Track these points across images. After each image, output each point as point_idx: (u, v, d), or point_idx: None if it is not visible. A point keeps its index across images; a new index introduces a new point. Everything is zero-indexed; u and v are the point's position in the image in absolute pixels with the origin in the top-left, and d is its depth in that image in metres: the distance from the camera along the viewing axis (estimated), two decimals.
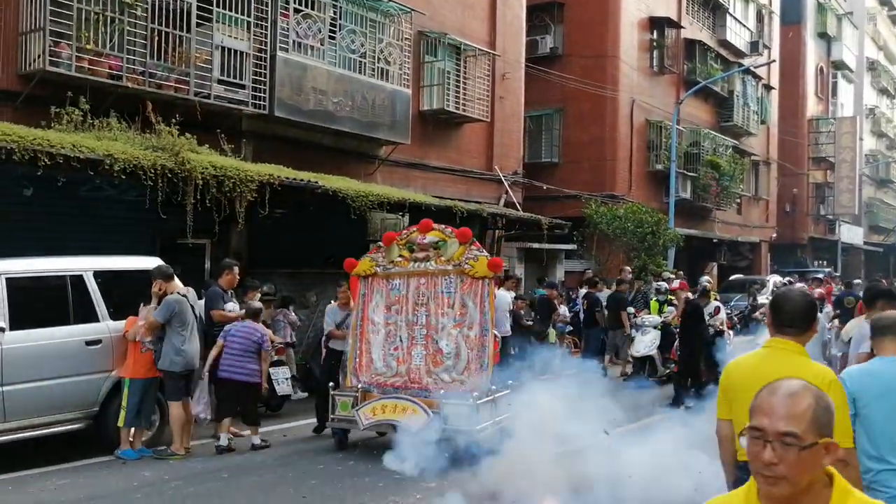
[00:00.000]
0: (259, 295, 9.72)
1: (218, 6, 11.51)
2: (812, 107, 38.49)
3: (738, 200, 29.48)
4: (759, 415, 1.92)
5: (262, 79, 12.24)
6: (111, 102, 10.43)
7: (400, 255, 8.69)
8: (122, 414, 8.01)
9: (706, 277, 17.84)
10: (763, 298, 17.20)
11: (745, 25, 30.30)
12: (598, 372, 11.55)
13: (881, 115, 48.28)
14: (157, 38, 10.84)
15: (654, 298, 14.99)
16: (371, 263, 8.79)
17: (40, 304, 8.03)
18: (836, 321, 11.11)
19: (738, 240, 30.58)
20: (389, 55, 14.71)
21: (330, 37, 13.61)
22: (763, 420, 1.91)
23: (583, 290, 16.47)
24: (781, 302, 3.59)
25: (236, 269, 9.42)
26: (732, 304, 19.61)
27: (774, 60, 32.10)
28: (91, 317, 8.17)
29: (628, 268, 18.57)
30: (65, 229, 9.98)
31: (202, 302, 9.21)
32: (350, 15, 14.02)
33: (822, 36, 38.66)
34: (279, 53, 12.57)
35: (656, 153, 24.48)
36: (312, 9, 13.22)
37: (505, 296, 13.65)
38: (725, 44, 28.64)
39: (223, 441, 8.40)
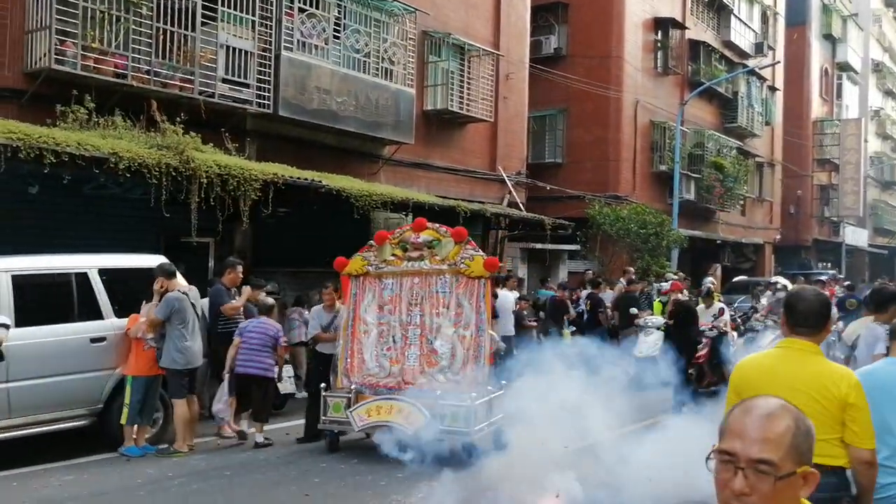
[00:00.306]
0: (263, 293, 9.77)
1: (223, 5, 11.55)
2: (817, 108, 38.43)
3: (742, 202, 29.45)
4: (731, 437, 1.68)
5: (267, 78, 12.27)
6: (116, 101, 10.47)
7: (393, 255, 8.54)
8: (126, 411, 8.05)
9: (710, 279, 17.81)
10: (764, 300, 17.20)
11: (749, 27, 30.28)
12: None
13: (886, 116, 48.19)
14: (162, 37, 10.88)
15: (658, 299, 14.98)
16: (363, 262, 8.61)
17: (45, 301, 8.08)
18: (841, 323, 11.11)
19: (742, 241, 30.55)
20: (393, 55, 14.74)
21: (334, 36, 13.64)
22: (735, 443, 1.67)
23: (585, 291, 16.49)
24: (795, 302, 3.55)
25: (239, 268, 9.45)
26: (736, 305, 19.58)
27: (779, 62, 32.07)
28: (96, 314, 8.21)
29: (632, 268, 18.57)
30: (70, 227, 10.03)
31: (205, 300, 9.24)
32: (354, 14, 14.05)
33: (828, 37, 38.60)
34: (284, 53, 12.60)
35: (660, 154, 24.47)
36: (317, 8, 13.25)
37: (508, 296, 13.69)
38: (730, 45, 28.63)
39: (258, 438, 8.62)
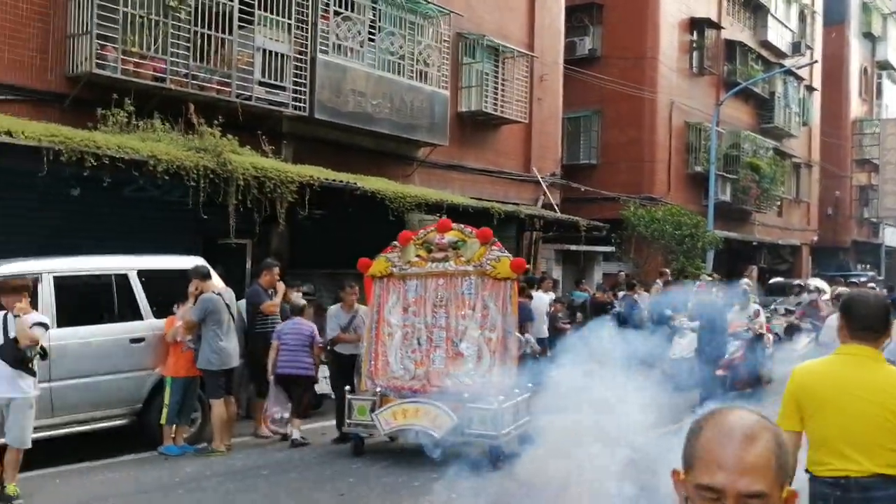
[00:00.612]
0: (295, 293, 9.85)
1: (259, 9, 11.65)
2: (856, 108, 37.79)
3: (779, 203, 29.06)
4: (710, 467, 1.43)
5: (303, 81, 12.36)
6: (155, 104, 10.61)
7: (417, 256, 8.36)
8: (165, 411, 8.15)
9: (745, 280, 17.58)
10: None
11: (786, 26, 29.85)
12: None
13: None
14: (199, 41, 11.01)
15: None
16: (386, 264, 8.43)
17: (86, 302, 8.21)
18: None
19: (779, 243, 30.13)
20: (428, 57, 14.76)
21: (369, 39, 13.70)
22: (717, 476, 1.42)
23: (622, 293, 16.35)
24: (856, 306, 3.44)
25: (276, 270, 9.50)
26: (773, 307, 19.29)
27: (817, 61, 31.57)
28: (135, 315, 8.32)
29: (667, 270, 18.40)
30: (110, 229, 10.17)
31: (242, 302, 9.32)
32: (389, 17, 14.10)
33: (867, 36, 37.94)
34: (319, 55, 12.68)
35: (695, 155, 24.22)
36: (352, 11, 13.32)
37: (543, 298, 13.63)
38: (767, 44, 28.25)
39: (296, 435, 8.74)
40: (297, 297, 9.68)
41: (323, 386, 10.22)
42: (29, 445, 6.45)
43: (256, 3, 11.59)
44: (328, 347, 9.13)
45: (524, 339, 12.16)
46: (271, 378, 8.85)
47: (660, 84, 22.62)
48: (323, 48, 12.78)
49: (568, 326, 14.44)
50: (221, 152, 10.05)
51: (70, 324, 7.77)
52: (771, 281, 25.31)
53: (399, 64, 14.21)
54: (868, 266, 36.80)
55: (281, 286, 9.46)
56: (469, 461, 7.28)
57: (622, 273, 18.25)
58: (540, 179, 18.52)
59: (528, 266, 8.67)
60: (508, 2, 17.84)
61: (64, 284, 7.84)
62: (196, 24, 10.93)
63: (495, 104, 16.73)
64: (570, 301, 16.25)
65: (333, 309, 9.29)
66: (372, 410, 8.00)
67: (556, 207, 18.58)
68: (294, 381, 8.83)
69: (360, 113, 13.42)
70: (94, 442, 8.06)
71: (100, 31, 10.02)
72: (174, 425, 8.25)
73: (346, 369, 8.94)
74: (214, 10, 11.16)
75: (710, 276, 18.68)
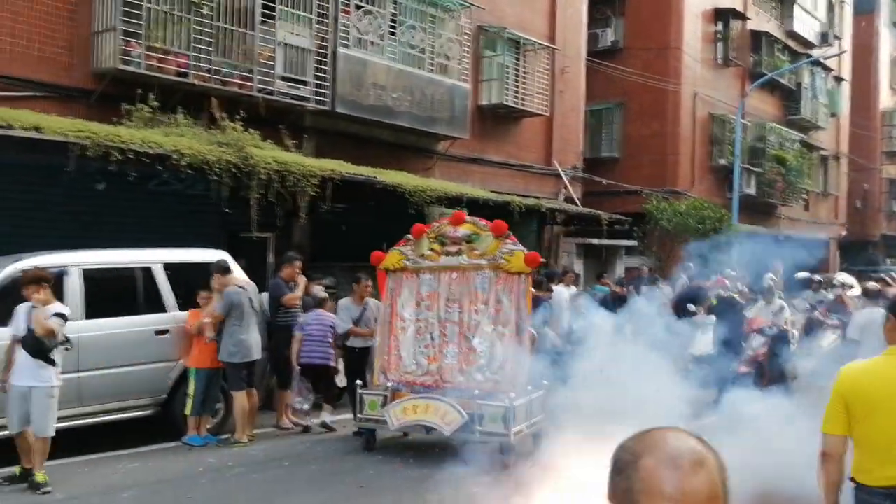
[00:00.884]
0: (315, 286, 9.94)
1: (281, 4, 11.74)
2: (886, 99, 37.18)
3: (806, 196, 28.71)
4: (664, 502, 1.26)
5: (324, 75, 12.44)
6: (179, 99, 10.74)
7: (430, 249, 8.26)
8: (189, 402, 8.29)
9: (769, 275, 17.43)
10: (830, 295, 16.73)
11: (814, 16, 29.45)
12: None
13: None
14: (222, 37, 11.12)
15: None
16: (400, 257, 8.34)
17: (113, 294, 8.35)
18: None
19: (806, 237, 29.79)
20: (449, 50, 14.78)
21: (390, 33, 13.75)
22: None
23: (643, 287, 16.28)
24: None
25: (298, 263, 9.59)
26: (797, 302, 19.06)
27: (845, 51, 31.12)
28: (160, 307, 8.46)
29: (692, 264, 18.27)
30: (134, 222, 10.32)
31: (264, 295, 9.42)
32: (410, 11, 14.13)
33: None
34: (340, 50, 12.75)
35: (720, 148, 24.01)
36: (373, 5, 13.37)
37: (563, 292, 13.61)
38: (793, 35, 27.89)
39: (327, 419, 9.08)
40: (319, 291, 9.80)
41: (343, 378, 10.33)
42: (51, 434, 6.58)
43: None
44: (338, 342, 9.22)
45: (543, 334, 12.19)
46: (297, 368, 9.01)
47: (684, 76, 22.45)
48: (344, 42, 12.85)
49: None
50: (244, 146, 10.17)
51: (97, 316, 7.93)
52: (797, 276, 25.03)
53: (420, 57, 14.25)
54: None
55: (302, 279, 9.56)
56: (485, 457, 7.35)
57: (645, 267, 18.18)
58: (561, 173, 18.48)
59: (542, 260, 8.50)
60: None
61: (91, 277, 8.00)
62: (219, 20, 11.04)
63: (516, 97, 16.71)
64: (591, 295, 16.22)
65: (344, 302, 9.34)
66: (383, 405, 7.95)
67: (577, 201, 18.53)
68: (318, 371, 9.04)
69: (380, 106, 13.48)
70: (120, 432, 8.22)
71: (125, 27, 10.16)
72: (198, 416, 8.38)
73: (356, 363, 9.05)
74: (237, 5, 11.27)
75: (733, 270, 18.54)
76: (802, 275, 25.47)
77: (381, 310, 8.66)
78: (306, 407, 9.09)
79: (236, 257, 9.43)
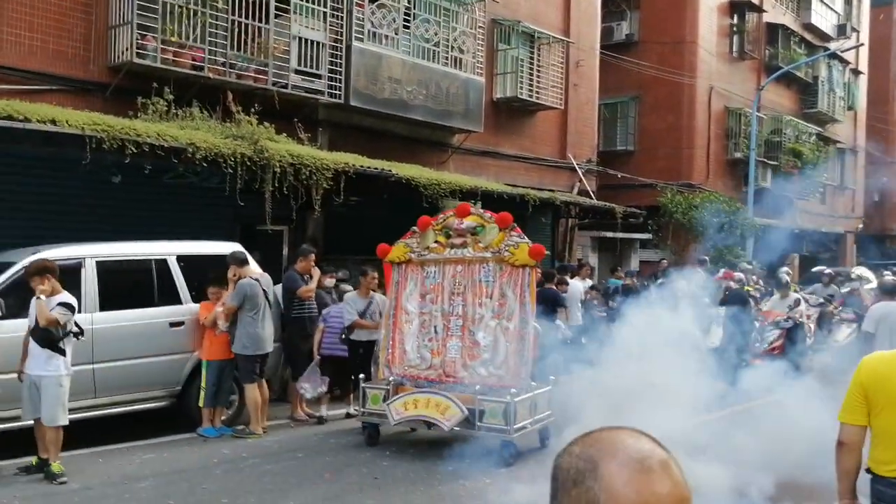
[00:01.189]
0: (334, 280, 10.01)
1: None
2: None
3: (822, 190, 28.50)
4: None
5: (338, 68, 12.45)
6: (194, 93, 10.78)
7: (436, 241, 8.14)
8: (202, 394, 8.35)
9: (785, 269, 17.33)
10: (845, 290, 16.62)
11: (831, 8, 29.19)
12: None
13: None
14: (237, 30, 11.15)
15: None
16: (405, 249, 8.24)
17: (127, 286, 8.42)
18: None
19: (822, 230, 29.59)
20: (463, 43, 14.76)
21: (404, 26, 13.74)
22: None
23: (659, 280, 16.23)
24: None
25: (312, 256, 9.62)
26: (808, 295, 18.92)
27: (863, 44, 30.81)
28: (174, 299, 8.51)
29: (706, 257, 18.21)
30: (149, 215, 10.39)
31: (278, 287, 9.46)
32: (424, 4, 14.11)
33: None
34: (355, 43, 12.76)
35: (735, 141, 23.87)
36: None
37: (577, 285, 13.61)
38: (810, 27, 27.66)
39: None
40: (330, 283, 9.88)
41: None
42: (60, 423, 6.63)
43: None
44: (343, 336, 9.23)
45: (555, 327, 12.19)
46: (317, 358, 9.09)
47: (699, 69, 22.32)
48: (358, 36, 12.85)
49: (603, 314, 14.41)
50: (258, 140, 10.19)
51: (112, 307, 7.98)
52: (813, 269, 24.87)
53: (434, 51, 14.23)
54: None
55: (316, 272, 9.60)
56: (497, 452, 7.34)
57: (664, 261, 18.11)
58: (576, 166, 18.42)
59: (547, 252, 8.40)
60: None
61: (106, 269, 8.05)
62: (234, 14, 11.06)
63: (531, 90, 16.66)
64: (605, 288, 16.19)
65: (350, 295, 9.38)
66: (385, 399, 7.87)
67: (592, 194, 18.48)
68: (337, 362, 9.15)
69: (395, 100, 13.48)
70: (135, 423, 8.29)
71: (140, 21, 10.20)
72: (212, 407, 8.43)
73: (360, 356, 9.08)
74: None
75: (749, 264, 18.46)
76: (819, 268, 25.33)
77: (385, 303, 8.62)
78: (308, 396, 9.10)
79: (251, 250, 9.48)
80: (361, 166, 11.29)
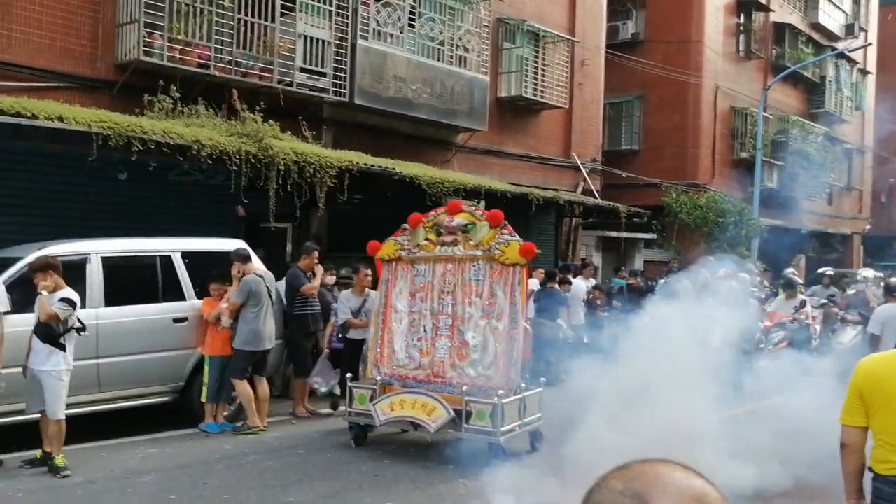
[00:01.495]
0: (334, 277, 10.06)
1: None
2: None
3: (829, 190, 28.44)
4: None
5: (343, 67, 12.51)
6: (200, 90, 10.86)
7: (426, 239, 7.98)
8: (205, 389, 8.42)
9: (791, 270, 17.33)
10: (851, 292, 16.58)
11: (839, 7, 29.10)
12: None
13: None
14: (243, 29, 11.22)
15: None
16: (395, 247, 8.09)
17: (132, 282, 8.49)
18: None
19: (829, 231, 29.52)
20: (468, 42, 14.80)
21: (409, 25, 13.79)
22: None
23: (662, 280, 16.25)
24: None
25: (315, 253, 9.68)
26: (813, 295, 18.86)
27: (871, 44, 30.70)
28: (178, 295, 8.58)
29: (711, 257, 18.20)
30: (155, 211, 10.47)
31: (280, 283, 9.52)
32: (429, 2, 14.16)
33: None
34: (360, 42, 12.81)
35: (741, 141, 23.85)
36: None
37: (580, 285, 13.65)
38: (818, 27, 27.59)
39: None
40: (330, 280, 9.97)
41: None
42: (61, 417, 6.71)
43: None
44: (339, 334, 9.19)
45: (557, 325, 12.24)
46: (326, 351, 9.15)
47: (705, 68, 22.31)
48: (363, 34, 12.91)
49: (606, 314, 14.44)
50: (263, 137, 10.27)
51: (116, 303, 8.05)
52: (819, 270, 24.81)
53: (439, 49, 14.28)
54: None
55: (319, 269, 9.66)
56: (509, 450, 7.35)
57: (674, 261, 18.14)
58: (580, 165, 18.45)
59: (538, 251, 8.06)
60: None
61: (111, 265, 8.12)
62: (240, 12, 11.14)
63: (535, 89, 16.69)
64: (609, 288, 16.23)
65: (345, 294, 9.24)
66: (372, 399, 7.73)
67: (596, 193, 18.50)
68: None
69: (399, 98, 13.54)
70: (138, 418, 8.37)
71: (147, 19, 10.28)
72: (214, 403, 8.51)
73: (357, 355, 9.03)
74: None
75: (754, 264, 18.45)
76: (822, 270, 25.27)
77: (376, 301, 8.45)
78: (324, 390, 9.21)
79: (255, 247, 9.55)
80: (365, 164, 11.35)
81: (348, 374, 8.16)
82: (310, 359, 9.38)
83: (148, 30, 10.33)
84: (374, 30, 13.12)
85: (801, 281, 17.26)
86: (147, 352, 8.20)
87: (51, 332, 6.64)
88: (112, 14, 10.61)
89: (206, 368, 8.44)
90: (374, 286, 9.47)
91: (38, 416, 6.83)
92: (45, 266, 6.76)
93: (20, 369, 6.83)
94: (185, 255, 8.73)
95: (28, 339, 6.79)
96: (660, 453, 1.17)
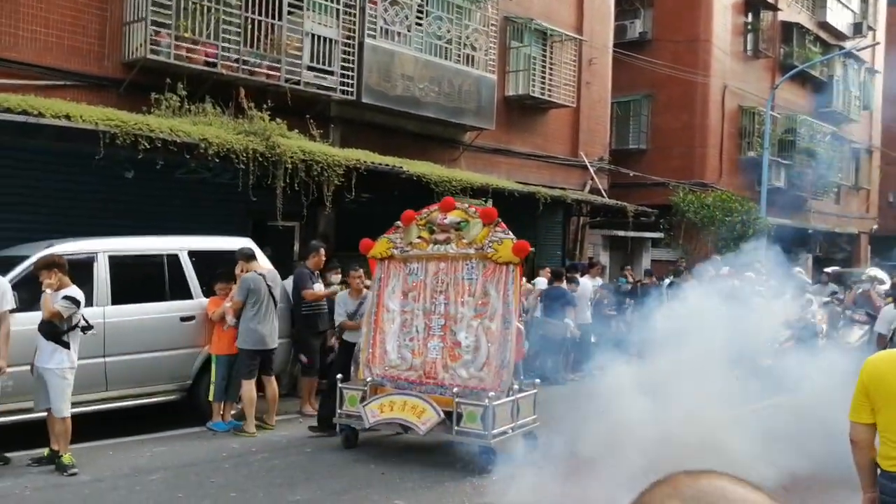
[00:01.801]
0: (339, 275, 10.01)
1: None
2: None
3: (836, 190, 28.33)
4: None
5: (351, 65, 12.49)
6: (207, 89, 10.84)
7: (419, 237, 7.80)
8: (212, 388, 8.41)
9: (797, 269, 17.24)
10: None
11: (847, 6, 28.99)
12: None
13: None
14: (250, 27, 11.20)
15: None
16: (388, 245, 7.93)
17: (139, 280, 8.47)
18: None
19: (836, 231, 29.41)
20: (475, 41, 14.77)
21: (417, 23, 13.76)
22: None
23: (668, 280, 16.21)
24: None
25: (322, 252, 9.64)
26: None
27: (879, 43, 30.58)
28: (185, 294, 8.56)
29: (718, 257, 18.14)
30: (162, 210, 10.46)
31: (288, 282, 9.50)
32: (437, 1, 14.13)
33: None
34: (367, 40, 12.79)
35: (748, 140, 23.78)
36: None
37: (587, 284, 13.60)
38: (825, 26, 27.48)
39: None
40: (336, 279, 9.89)
41: None
42: (66, 415, 6.70)
43: None
44: (336, 335, 8.99)
45: (564, 324, 12.20)
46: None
47: (713, 67, 22.24)
48: (371, 33, 12.89)
49: (613, 313, 14.40)
50: (270, 136, 10.24)
51: (124, 301, 8.04)
52: (825, 270, 24.72)
53: (446, 48, 14.25)
54: None
55: (320, 289, 9.43)
56: (519, 451, 7.30)
57: (682, 260, 18.09)
58: (588, 164, 18.40)
59: (532, 249, 7.82)
60: None
61: (118, 263, 8.11)
62: (247, 10, 11.12)
63: (543, 88, 16.65)
64: (617, 286, 16.18)
65: (342, 295, 8.93)
66: (362, 401, 7.56)
67: (603, 193, 18.45)
68: None
69: (407, 97, 13.51)
70: (145, 416, 8.36)
71: (154, 17, 10.27)
72: (221, 402, 8.49)
73: (351, 356, 8.67)
74: None
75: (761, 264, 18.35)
76: (831, 269, 25.19)
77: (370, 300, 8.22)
78: None
79: (262, 246, 9.53)
80: (373, 163, 11.33)
81: (339, 376, 7.92)
82: (318, 357, 9.35)
83: (155, 28, 10.31)
84: (381, 28, 13.10)
85: (808, 280, 17.20)
86: (154, 350, 8.19)
87: (54, 330, 6.64)
88: (119, 12, 10.61)
89: (214, 367, 8.42)
90: None
91: (46, 414, 6.83)
92: (50, 264, 6.75)
93: (28, 367, 6.82)
94: (193, 254, 8.71)
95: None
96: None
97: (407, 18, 13.54)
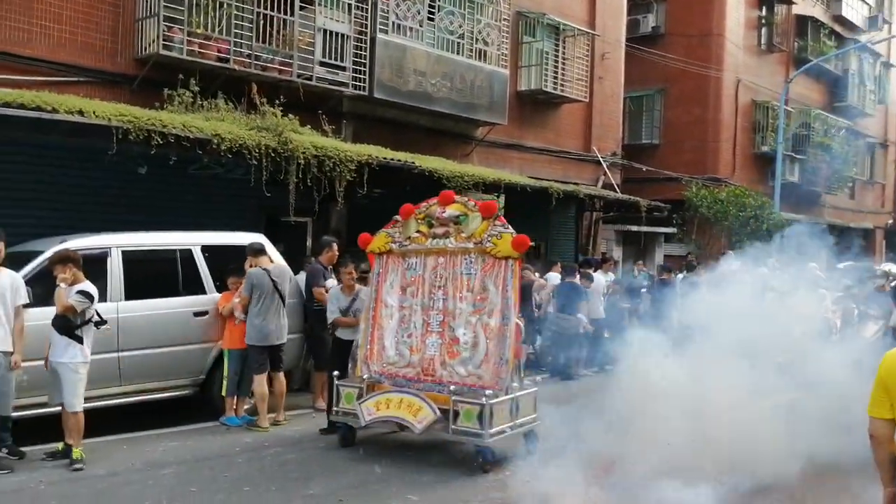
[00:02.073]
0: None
1: None
2: None
3: (851, 184, 28.12)
4: None
5: (363, 61, 12.47)
6: (219, 84, 10.86)
7: (417, 231, 7.64)
8: (225, 383, 8.42)
9: (813, 265, 17.09)
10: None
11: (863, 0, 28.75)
12: None
13: None
14: (262, 22, 11.20)
15: None
16: (387, 239, 7.79)
17: (153, 276, 8.48)
18: None
19: (850, 226, 29.20)
20: (487, 36, 14.73)
21: (429, 18, 13.73)
22: None
23: (681, 275, 16.12)
24: None
25: (335, 247, 9.58)
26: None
27: (894, 36, 30.33)
28: (198, 289, 8.57)
29: (731, 251, 18.04)
30: (175, 205, 10.48)
31: (301, 278, 9.49)
32: None
33: None
34: (379, 35, 12.77)
35: (762, 135, 23.64)
36: None
37: (600, 279, 13.55)
38: (840, 19, 27.26)
39: None
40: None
41: None
42: (78, 410, 6.71)
43: None
44: (330, 332, 8.65)
45: (577, 319, 12.15)
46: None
47: (726, 62, 22.11)
48: (382, 28, 12.87)
49: (627, 306, 14.33)
50: (282, 131, 10.24)
51: (137, 297, 8.05)
52: (839, 265, 24.51)
53: (458, 43, 14.21)
54: None
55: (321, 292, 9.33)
56: (525, 448, 7.25)
57: (691, 255, 18.02)
58: (600, 159, 18.33)
59: (532, 244, 7.55)
60: None
61: (131, 258, 8.12)
62: (259, 6, 11.12)
63: (555, 83, 16.59)
64: (630, 282, 16.10)
65: (334, 291, 8.63)
66: (359, 398, 7.40)
67: (616, 188, 18.39)
68: None
69: (419, 92, 13.49)
70: (159, 411, 8.38)
71: (167, 13, 10.29)
72: (234, 396, 8.50)
73: (346, 354, 8.33)
74: None
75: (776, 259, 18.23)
76: (847, 264, 24.96)
77: (366, 299, 8.04)
78: None
79: (275, 241, 9.53)
80: (385, 158, 11.31)
81: (335, 373, 7.77)
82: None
83: (167, 24, 10.33)
84: (393, 23, 13.08)
85: (823, 276, 17.03)
86: (168, 345, 8.20)
87: (68, 324, 6.66)
88: (132, 8, 10.63)
89: (226, 362, 8.43)
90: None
91: (60, 408, 6.85)
92: (64, 259, 6.77)
93: (42, 362, 6.84)
94: (206, 249, 8.72)
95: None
96: None
97: (419, 13, 13.51)
